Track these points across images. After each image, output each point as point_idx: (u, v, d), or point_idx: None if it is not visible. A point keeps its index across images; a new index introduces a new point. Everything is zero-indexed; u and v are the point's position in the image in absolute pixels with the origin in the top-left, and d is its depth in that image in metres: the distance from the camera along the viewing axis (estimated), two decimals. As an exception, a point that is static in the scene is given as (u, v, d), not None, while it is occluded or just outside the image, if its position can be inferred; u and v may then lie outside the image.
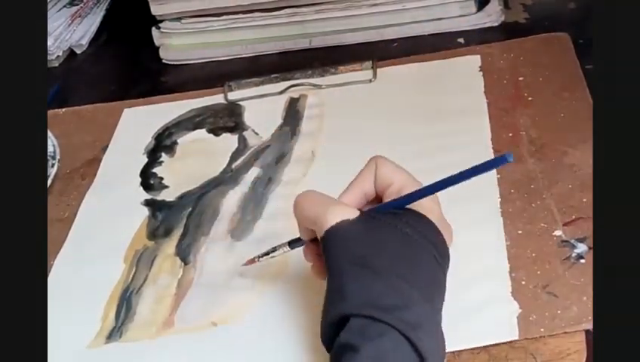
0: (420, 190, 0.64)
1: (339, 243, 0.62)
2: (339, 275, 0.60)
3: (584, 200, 0.74)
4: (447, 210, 0.76)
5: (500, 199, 0.76)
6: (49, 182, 0.89)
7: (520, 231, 0.73)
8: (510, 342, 0.64)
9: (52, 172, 0.90)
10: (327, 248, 0.62)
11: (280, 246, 0.71)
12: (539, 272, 0.69)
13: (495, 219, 0.74)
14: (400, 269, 0.60)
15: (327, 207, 0.63)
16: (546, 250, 0.71)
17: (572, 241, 0.71)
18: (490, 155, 0.81)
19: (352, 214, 0.63)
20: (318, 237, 0.63)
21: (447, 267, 0.64)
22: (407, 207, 0.64)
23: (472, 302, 0.67)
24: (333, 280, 0.61)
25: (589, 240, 0.71)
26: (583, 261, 0.69)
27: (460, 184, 0.76)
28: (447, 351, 0.63)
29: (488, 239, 0.73)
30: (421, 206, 0.64)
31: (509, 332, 0.65)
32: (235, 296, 0.73)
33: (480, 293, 0.68)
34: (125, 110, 1.00)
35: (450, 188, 0.77)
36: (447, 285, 0.64)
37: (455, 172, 0.80)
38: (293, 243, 0.70)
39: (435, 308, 0.61)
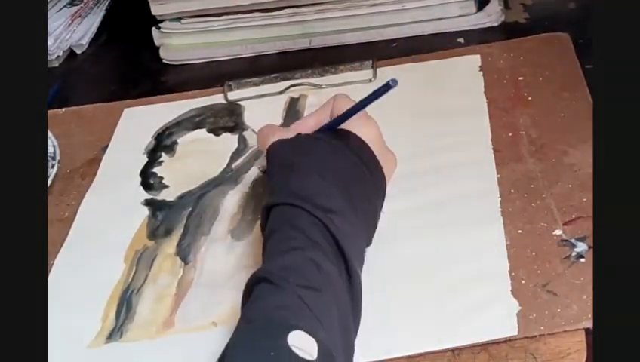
0: (346, 111, 0.74)
1: (272, 154, 0.73)
2: (269, 179, 0.72)
3: (584, 199, 0.74)
4: (447, 210, 0.76)
5: (500, 198, 0.76)
6: (49, 182, 0.89)
7: (520, 231, 0.73)
8: (510, 341, 0.64)
9: (52, 172, 0.90)
10: (267, 162, 0.74)
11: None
12: (539, 271, 0.69)
13: (495, 218, 0.74)
14: (322, 172, 0.69)
15: (270, 133, 0.76)
16: (546, 249, 0.71)
17: (572, 240, 0.71)
18: (490, 155, 0.81)
19: (289, 135, 0.75)
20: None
21: (382, 184, 0.73)
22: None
23: (473, 299, 0.67)
24: (267, 185, 0.73)
25: (589, 239, 0.71)
26: (582, 260, 0.69)
27: (459, 182, 0.77)
28: (448, 347, 0.64)
29: (489, 238, 0.73)
30: (353, 127, 0.74)
31: (509, 329, 0.65)
32: (236, 295, 0.73)
33: (480, 291, 0.68)
34: (125, 110, 1.00)
35: (449, 189, 0.78)
36: (446, 282, 0.67)
37: (454, 172, 0.80)
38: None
39: (353, 205, 0.68)
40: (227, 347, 0.57)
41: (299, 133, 0.75)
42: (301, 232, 0.64)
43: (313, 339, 0.56)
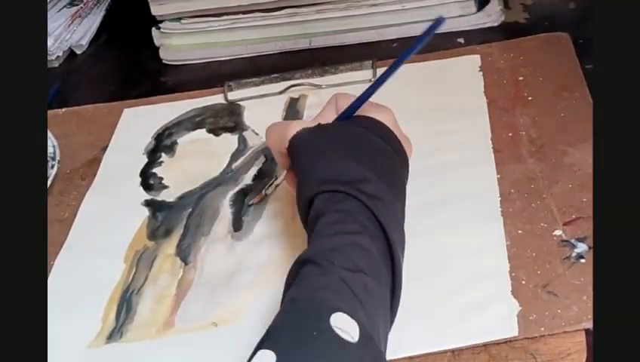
0: (359, 97, 0.74)
1: (300, 144, 0.71)
2: (305, 168, 0.70)
3: (584, 199, 0.74)
4: (447, 210, 0.76)
5: (500, 199, 0.76)
6: (49, 182, 0.89)
7: (520, 231, 0.73)
8: (510, 341, 0.64)
9: (52, 172, 0.90)
10: (293, 153, 0.72)
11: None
12: (539, 272, 0.69)
13: (495, 219, 0.74)
14: (356, 155, 0.69)
15: (287, 125, 0.73)
16: (546, 249, 0.71)
17: (572, 241, 0.71)
18: (490, 155, 0.81)
19: (310, 125, 0.73)
20: (287, 152, 0.72)
21: (406, 163, 0.73)
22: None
23: (473, 300, 0.68)
24: (300, 176, 0.70)
25: (589, 239, 0.71)
26: (583, 260, 0.69)
27: (459, 182, 0.76)
28: (448, 348, 0.64)
29: (489, 238, 0.73)
30: (370, 113, 0.73)
31: (509, 329, 0.65)
32: (236, 296, 0.73)
33: (481, 292, 0.68)
34: (125, 110, 1.00)
35: (449, 189, 0.78)
36: (446, 283, 0.68)
37: (454, 172, 0.80)
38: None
39: (390, 188, 0.68)
40: (271, 327, 0.57)
41: (319, 123, 0.74)
42: (348, 215, 0.64)
43: (354, 322, 0.57)
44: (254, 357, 0.55)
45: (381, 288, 0.62)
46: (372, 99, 0.75)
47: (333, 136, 0.72)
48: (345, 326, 0.56)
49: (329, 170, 0.68)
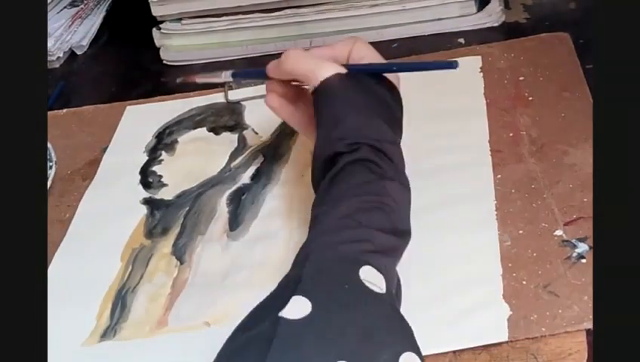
0: (392, 64, 0.76)
1: (335, 90, 0.71)
2: (337, 117, 0.70)
3: (585, 199, 0.74)
4: (442, 212, 0.76)
5: (495, 201, 0.76)
6: (48, 183, 0.89)
7: (521, 231, 0.73)
8: (511, 342, 0.64)
9: (50, 173, 0.90)
10: (322, 97, 0.71)
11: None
12: (540, 272, 0.69)
13: (490, 222, 0.74)
14: (383, 116, 0.71)
15: (319, 65, 0.73)
16: (546, 249, 0.71)
17: (573, 241, 0.71)
18: (487, 158, 0.81)
19: (342, 70, 0.72)
20: (310, 89, 0.73)
21: (402, 114, 0.76)
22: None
23: (464, 304, 0.67)
24: (328, 123, 0.70)
25: (590, 239, 0.70)
26: (583, 261, 0.69)
27: (454, 185, 0.76)
28: (442, 351, 0.65)
29: (482, 242, 0.72)
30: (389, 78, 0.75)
31: (499, 334, 0.65)
32: (229, 296, 0.73)
33: (472, 296, 0.68)
34: (127, 108, 1.00)
35: (445, 192, 0.78)
36: (438, 286, 0.70)
37: (451, 174, 0.80)
38: (236, 74, 0.84)
39: (396, 135, 0.72)
40: (303, 274, 0.59)
41: (349, 72, 0.73)
42: (379, 176, 0.67)
43: (381, 275, 0.60)
44: (290, 302, 0.55)
45: (402, 224, 0.66)
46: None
47: (364, 91, 0.72)
48: (373, 278, 0.59)
49: (367, 126, 0.69)
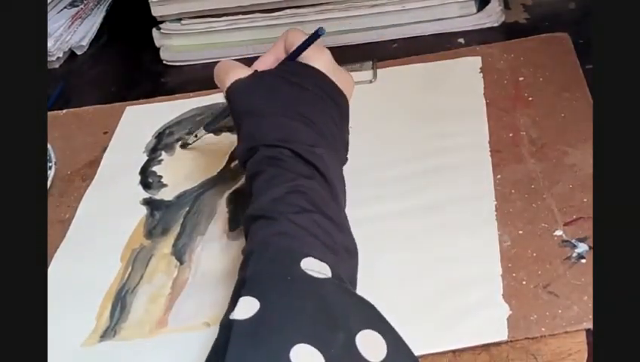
0: (298, 46, 0.75)
1: (235, 96, 0.74)
2: (237, 123, 0.73)
3: (584, 200, 0.74)
4: (442, 213, 0.76)
5: (495, 202, 0.76)
6: (48, 184, 0.89)
7: (521, 231, 0.73)
8: (511, 342, 0.64)
9: (50, 174, 0.90)
10: (229, 102, 0.75)
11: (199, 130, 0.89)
12: (540, 272, 0.69)
13: (490, 222, 0.74)
14: (286, 111, 0.71)
15: (227, 71, 0.75)
16: (546, 249, 0.71)
17: (573, 241, 0.71)
18: (487, 158, 0.81)
19: (246, 74, 0.74)
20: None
21: (341, 101, 0.74)
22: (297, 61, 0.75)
23: (463, 303, 0.67)
24: (236, 129, 0.73)
25: (590, 240, 0.70)
26: (583, 261, 0.69)
27: (454, 185, 0.76)
28: (442, 350, 0.64)
29: (482, 242, 0.72)
30: (308, 59, 0.74)
31: (498, 333, 0.65)
32: (228, 296, 0.73)
33: (471, 295, 0.68)
34: (127, 108, 1.00)
35: (445, 192, 0.78)
36: (437, 286, 0.69)
37: (450, 174, 0.80)
38: (207, 126, 0.87)
39: (322, 133, 0.71)
40: (246, 276, 0.59)
41: (256, 71, 0.75)
42: (281, 168, 0.67)
43: (324, 263, 0.60)
44: (238, 304, 0.56)
45: (335, 225, 0.65)
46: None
47: (268, 90, 0.73)
48: (315, 267, 0.59)
49: (259, 129, 0.70)
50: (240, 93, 0.74)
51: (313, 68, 0.74)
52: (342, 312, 0.57)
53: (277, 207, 0.64)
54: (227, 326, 0.56)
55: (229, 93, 0.74)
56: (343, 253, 0.64)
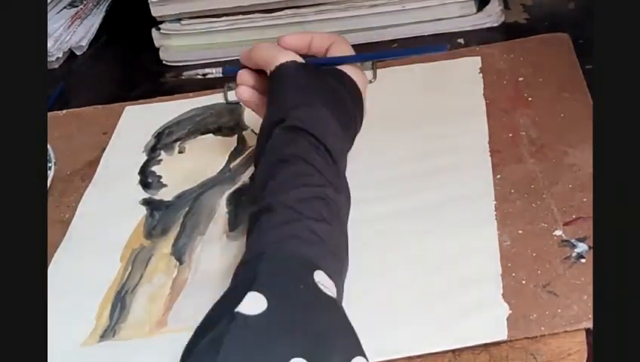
0: (349, 56, 0.78)
1: (285, 74, 0.75)
2: (282, 97, 0.73)
3: (584, 200, 0.74)
4: (442, 213, 0.76)
5: (495, 202, 0.76)
6: (48, 184, 0.89)
7: (520, 231, 0.73)
8: (511, 341, 0.64)
9: (50, 174, 0.90)
10: (275, 79, 0.75)
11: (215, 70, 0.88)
12: (539, 272, 0.69)
13: (489, 222, 0.74)
14: (331, 106, 0.72)
15: (279, 51, 0.77)
16: (546, 249, 0.71)
17: (572, 241, 0.71)
18: (487, 159, 0.81)
19: (299, 59, 0.76)
20: (268, 72, 0.76)
21: (362, 117, 0.78)
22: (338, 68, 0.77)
23: (464, 303, 0.67)
24: (274, 102, 0.74)
25: (590, 239, 0.71)
26: (583, 260, 0.69)
27: (454, 185, 0.76)
28: (442, 349, 0.64)
29: (482, 242, 0.72)
30: (349, 72, 0.77)
31: (498, 333, 0.65)
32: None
33: (471, 295, 0.68)
34: (127, 108, 1.00)
35: (444, 192, 0.78)
36: (437, 286, 0.69)
37: (450, 174, 0.80)
38: (226, 69, 0.86)
39: (346, 138, 0.74)
40: (258, 270, 0.58)
41: (307, 62, 0.76)
42: (317, 170, 0.67)
43: (332, 281, 0.60)
44: (246, 298, 0.55)
45: (345, 236, 0.67)
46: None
47: (315, 80, 0.74)
48: (326, 283, 0.59)
49: (305, 110, 0.71)
50: (293, 73, 0.74)
51: (355, 83, 0.76)
52: (341, 335, 0.57)
53: (300, 208, 0.64)
54: (228, 316, 0.55)
55: (281, 68, 0.74)
56: (343, 274, 0.64)
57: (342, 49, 0.78)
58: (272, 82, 0.75)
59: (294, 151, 0.68)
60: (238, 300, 0.55)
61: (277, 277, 0.58)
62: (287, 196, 0.65)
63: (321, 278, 0.59)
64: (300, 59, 0.76)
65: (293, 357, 0.53)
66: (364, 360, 0.55)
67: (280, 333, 0.54)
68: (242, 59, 0.80)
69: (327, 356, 0.54)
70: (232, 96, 0.98)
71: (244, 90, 0.80)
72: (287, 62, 0.75)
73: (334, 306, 0.59)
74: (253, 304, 0.55)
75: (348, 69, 0.77)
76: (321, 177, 0.67)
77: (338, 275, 0.62)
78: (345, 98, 0.75)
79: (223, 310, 0.57)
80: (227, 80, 1.00)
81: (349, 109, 0.75)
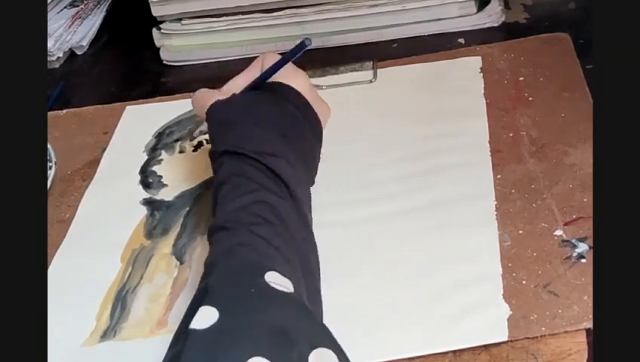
0: (273, 65, 0.77)
1: (212, 114, 0.75)
2: (212, 138, 0.74)
3: (585, 199, 0.74)
4: (442, 213, 0.76)
5: (495, 202, 0.76)
6: (48, 184, 0.89)
7: (521, 231, 0.73)
8: (511, 342, 0.64)
9: (50, 174, 0.90)
10: (207, 123, 0.76)
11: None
12: (540, 272, 0.69)
13: (490, 222, 0.74)
14: (259, 121, 0.72)
15: (206, 96, 0.77)
16: (546, 249, 0.71)
17: (573, 241, 0.71)
18: (487, 158, 0.81)
19: (222, 97, 0.76)
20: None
21: (318, 129, 0.76)
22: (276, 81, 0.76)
23: (464, 303, 0.67)
24: (211, 141, 0.75)
25: (590, 239, 0.70)
26: (583, 260, 0.69)
27: (455, 185, 0.76)
28: (443, 350, 0.64)
29: (482, 242, 0.72)
30: (285, 78, 0.76)
31: (498, 333, 0.65)
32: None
33: (472, 296, 0.68)
34: (127, 108, 1.00)
35: (445, 192, 0.78)
36: (438, 286, 0.69)
37: (451, 174, 0.80)
38: None
39: (292, 146, 0.71)
40: (208, 285, 0.59)
41: (234, 93, 0.77)
42: (245, 178, 0.67)
43: (287, 279, 0.59)
44: (197, 314, 0.55)
45: (297, 239, 0.65)
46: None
47: (243, 106, 0.75)
48: (279, 281, 0.58)
49: (231, 136, 0.72)
50: (217, 110, 0.75)
51: (289, 86, 0.75)
52: (300, 328, 0.56)
53: (239, 217, 0.64)
54: (184, 334, 0.55)
55: (209, 112, 0.75)
56: (302, 270, 0.64)
57: (270, 60, 0.78)
58: (208, 125, 0.76)
59: (225, 171, 0.69)
60: (192, 317, 0.56)
61: (226, 287, 0.59)
62: (227, 210, 0.66)
63: (272, 278, 0.59)
64: (221, 95, 0.76)
65: (251, 356, 0.52)
66: (328, 350, 0.55)
67: (234, 339, 0.54)
68: None
69: (286, 351, 0.54)
70: (232, 96, 0.99)
71: None
72: (210, 105, 0.75)
73: (292, 301, 0.58)
74: (205, 318, 0.55)
75: (284, 76, 0.76)
76: (253, 183, 0.67)
77: (293, 272, 0.62)
78: (277, 103, 0.74)
79: (181, 329, 0.57)
80: (227, 80, 1.01)
81: (284, 112, 0.74)
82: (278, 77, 0.76)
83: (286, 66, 0.76)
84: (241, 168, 0.69)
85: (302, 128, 0.74)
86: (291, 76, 0.76)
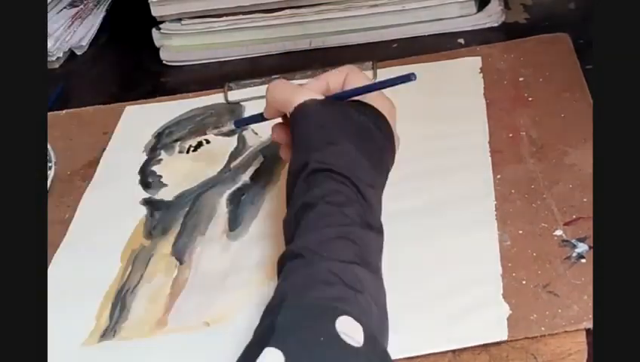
0: (368, 85, 0.74)
1: (305, 115, 0.71)
2: (304, 139, 0.70)
3: (584, 200, 0.74)
4: (442, 213, 0.76)
5: (495, 202, 0.76)
6: (48, 184, 0.89)
7: (521, 231, 0.73)
8: (511, 342, 0.64)
9: (50, 174, 0.90)
10: (295, 121, 0.72)
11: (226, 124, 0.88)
12: (539, 272, 0.69)
13: (490, 222, 0.74)
14: (355, 141, 0.69)
15: (295, 91, 0.73)
16: (546, 249, 0.71)
17: (573, 241, 0.71)
18: (487, 159, 0.81)
19: (317, 96, 0.72)
20: (288, 115, 0.72)
21: (393, 153, 0.73)
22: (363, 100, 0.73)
23: (464, 303, 0.67)
24: (298, 145, 0.70)
25: (590, 239, 0.71)
26: (583, 260, 0.69)
27: (455, 186, 0.76)
28: (442, 349, 0.64)
29: (482, 242, 0.72)
30: (373, 101, 0.73)
31: (498, 333, 0.65)
32: (229, 296, 0.73)
33: (472, 295, 0.68)
34: (127, 108, 1.00)
35: (445, 192, 0.78)
36: (438, 286, 0.69)
37: (451, 175, 0.80)
38: (238, 122, 0.85)
39: (381, 179, 0.70)
40: (276, 324, 0.56)
41: (326, 98, 0.73)
42: (337, 206, 0.64)
43: (358, 324, 0.56)
44: (263, 354, 0.53)
45: (375, 275, 0.62)
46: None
47: (338, 116, 0.71)
48: (350, 330, 0.56)
49: (328, 149, 0.68)
50: (312, 111, 0.71)
51: (380, 113, 0.72)
52: None
53: (321, 250, 0.61)
54: None
55: (300, 110, 0.71)
56: (378, 309, 0.61)
57: (356, 78, 0.74)
58: (293, 125, 0.72)
59: (317, 193, 0.65)
60: (256, 356, 0.54)
61: (295, 329, 0.56)
62: (309, 239, 0.62)
63: (344, 326, 0.56)
64: (318, 96, 0.73)
65: None
66: None
67: None
68: (265, 111, 0.77)
69: None
70: (232, 96, 0.99)
71: (284, 151, 0.77)
72: (305, 101, 0.71)
73: (357, 357, 0.56)
74: (270, 361, 0.53)
75: (371, 98, 0.73)
76: (344, 216, 0.63)
77: (368, 315, 0.59)
78: (370, 129, 0.71)
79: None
80: (227, 80, 1.01)
81: (376, 141, 0.71)
82: (367, 97, 0.73)
83: (379, 91, 0.74)
84: (332, 194, 0.65)
85: (387, 160, 0.72)
86: (382, 103, 0.73)
